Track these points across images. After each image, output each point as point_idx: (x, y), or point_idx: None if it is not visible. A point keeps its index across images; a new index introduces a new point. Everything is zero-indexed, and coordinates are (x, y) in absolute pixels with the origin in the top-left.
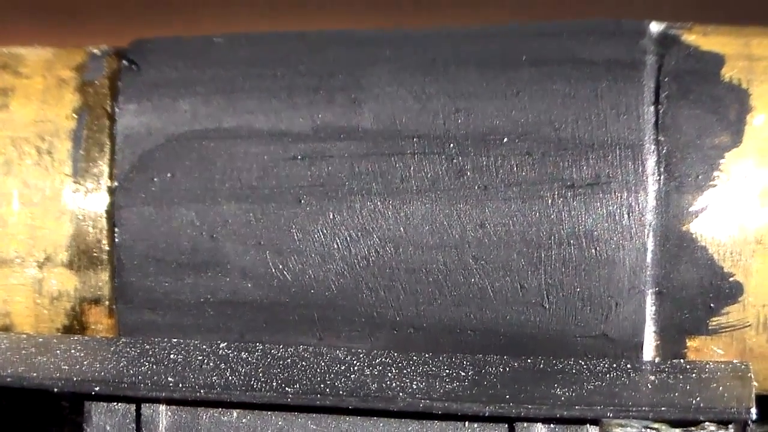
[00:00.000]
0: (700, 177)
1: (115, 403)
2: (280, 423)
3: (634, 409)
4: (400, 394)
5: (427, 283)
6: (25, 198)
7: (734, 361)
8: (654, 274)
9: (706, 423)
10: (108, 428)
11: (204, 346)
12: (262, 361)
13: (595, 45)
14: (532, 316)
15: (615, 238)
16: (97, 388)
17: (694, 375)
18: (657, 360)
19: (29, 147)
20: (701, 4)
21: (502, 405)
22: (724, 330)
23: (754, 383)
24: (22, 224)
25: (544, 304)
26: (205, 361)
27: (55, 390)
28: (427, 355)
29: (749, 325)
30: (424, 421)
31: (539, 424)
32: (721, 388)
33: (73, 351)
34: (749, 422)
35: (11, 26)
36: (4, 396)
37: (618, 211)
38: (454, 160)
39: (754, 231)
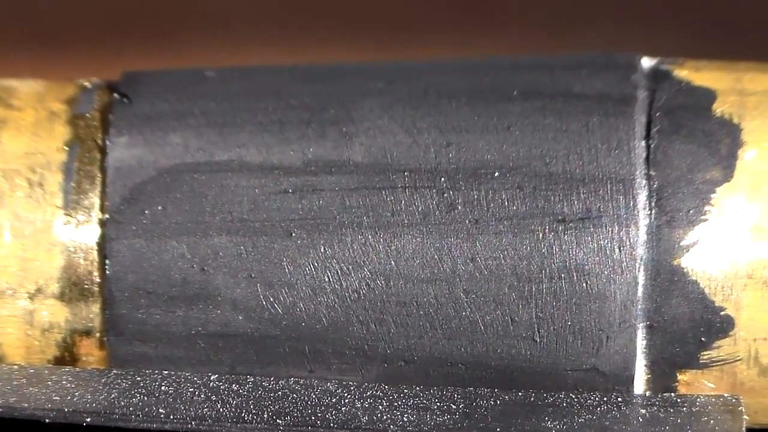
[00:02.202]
0: (691, 211)
1: None
2: None
3: None
4: (391, 426)
5: (418, 316)
6: (16, 230)
7: (725, 395)
8: (645, 308)
9: None
10: None
11: (195, 378)
12: (253, 393)
13: (586, 79)
14: (522, 349)
15: (606, 272)
16: (89, 419)
17: (685, 409)
18: (648, 394)
19: (20, 179)
20: (693, 39)
21: None
22: (715, 364)
23: (745, 417)
24: (13, 256)
25: (535, 338)
26: (197, 393)
27: (47, 421)
28: (418, 388)
29: (740, 359)
30: None
31: None
32: (712, 421)
33: (64, 382)
34: None
35: (2, 57)
36: None
37: (609, 245)
38: (445, 194)
39: (745, 265)
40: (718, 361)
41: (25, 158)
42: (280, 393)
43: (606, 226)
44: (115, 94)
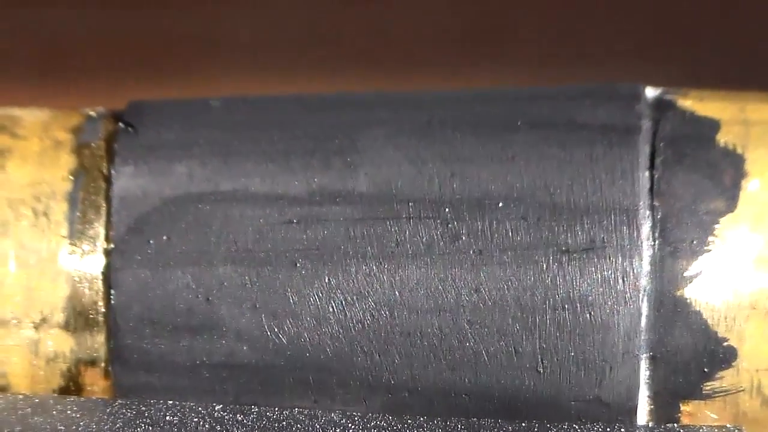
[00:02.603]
0: (695, 242)
1: None
2: None
3: None
4: None
5: (422, 347)
6: (22, 259)
7: (728, 425)
8: (648, 339)
9: None
10: None
11: (200, 408)
12: (258, 424)
13: (590, 109)
14: (526, 380)
15: (610, 303)
16: None
17: None
18: (651, 424)
19: (25, 208)
20: (697, 69)
21: None
22: (717, 394)
23: None
24: (19, 285)
25: (539, 369)
26: (201, 423)
27: None
28: (421, 419)
29: (743, 390)
30: None
31: None
32: None
33: (69, 412)
34: None
35: (8, 86)
36: None
37: (613, 276)
38: (449, 225)
39: (748, 296)
40: (721, 392)
41: (30, 187)
42: (284, 423)
43: (610, 257)
44: (121, 124)
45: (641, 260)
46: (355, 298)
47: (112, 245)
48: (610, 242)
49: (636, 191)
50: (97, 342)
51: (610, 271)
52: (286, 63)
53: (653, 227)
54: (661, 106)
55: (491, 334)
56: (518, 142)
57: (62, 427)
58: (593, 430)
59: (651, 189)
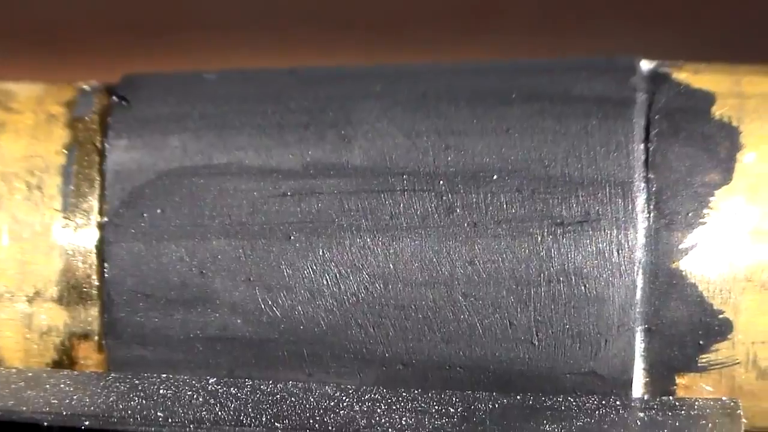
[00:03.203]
0: (690, 215)
1: None
2: None
3: None
4: (389, 430)
5: (417, 319)
6: (15, 233)
7: (723, 398)
8: (643, 312)
9: None
10: None
11: (193, 382)
12: (252, 397)
13: (585, 82)
14: (521, 352)
15: (604, 276)
16: (87, 423)
17: (683, 412)
18: (646, 397)
19: (19, 182)
20: (692, 41)
21: None
22: (713, 367)
23: (744, 420)
24: (12, 259)
25: (534, 341)
26: (195, 396)
27: (45, 424)
28: (416, 392)
29: (738, 363)
30: None
31: None
32: (710, 425)
33: (62, 386)
34: None
35: (1, 60)
36: None
37: (608, 248)
38: (444, 197)
39: (744, 268)
40: (717, 365)
41: (24, 161)
42: (278, 396)
43: (604, 229)
44: (114, 97)
45: (636, 232)
46: (349, 270)
47: (105, 219)
48: (605, 215)
49: (631, 164)
50: (91, 315)
51: (604, 244)
52: (280, 36)
53: (648, 200)
54: (656, 78)
55: (486, 306)
56: (513, 114)
57: (55, 401)
58: (588, 402)
59: (646, 161)
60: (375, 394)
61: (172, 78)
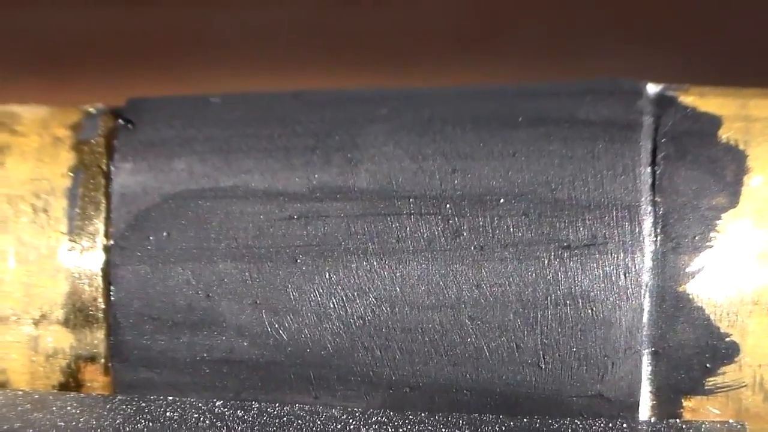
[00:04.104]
0: (697, 238)
1: None
2: None
3: None
4: None
5: (423, 342)
6: (21, 256)
7: (730, 420)
8: (650, 335)
9: None
10: None
11: (200, 404)
12: (258, 420)
13: (591, 105)
14: (528, 375)
15: (611, 299)
16: None
17: None
18: (653, 420)
19: (25, 205)
20: (699, 65)
21: None
22: (720, 390)
23: None
24: (18, 282)
25: (540, 364)
26: (201, 419)
27: None
28: (423, 415)
29: (745, 385)
30: None
31: None
32: None
33: (69, 408)
34: None
35: (7, 83)
36: None
37: (614, 271)
38: (450, 221)
39: (750, 292)
40: (723, 387)
41: (30, 184)
42: (284, 419)
43: (611, 253)
44: (120, 120)
45: (643, 256)
46: (355, 294)
47: (111, 242)
48: (612, 238)
49: (638, 187)
50: (97, 338)
51: (611, 267)
52: (286, 59)
53: (655, 223)
54: (662, 102)
55: (493, 329)
56: (519, 138)
57: (62, 423)
58: (595, 425)
59: (653, 185)
60: (382, 417)
61: (177, 101)
